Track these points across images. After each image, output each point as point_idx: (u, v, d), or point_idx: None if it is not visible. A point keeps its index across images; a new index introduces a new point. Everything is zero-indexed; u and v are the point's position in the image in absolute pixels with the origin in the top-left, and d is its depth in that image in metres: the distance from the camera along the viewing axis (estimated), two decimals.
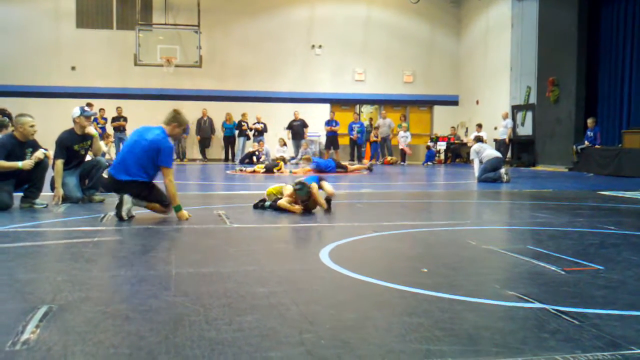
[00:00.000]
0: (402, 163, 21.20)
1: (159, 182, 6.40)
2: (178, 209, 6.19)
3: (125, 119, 20.52)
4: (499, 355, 2.28)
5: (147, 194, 6.28)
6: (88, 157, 8.02)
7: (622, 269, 3.87)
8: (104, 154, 11.50)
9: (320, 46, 23.56)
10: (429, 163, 21.47)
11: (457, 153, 23.11)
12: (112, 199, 7.55)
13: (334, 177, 13.69)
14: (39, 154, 7.04)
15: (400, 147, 21.51)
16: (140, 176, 6.19)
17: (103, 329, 2.60)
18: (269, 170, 15.18)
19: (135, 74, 21.89)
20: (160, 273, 3.70)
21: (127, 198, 6.06)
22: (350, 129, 21.48)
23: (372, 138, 22.03)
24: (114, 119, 20.53)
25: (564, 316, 2.80)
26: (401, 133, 21.61)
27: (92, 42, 22.15)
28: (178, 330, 2.59)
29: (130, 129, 19.85)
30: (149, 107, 21.69)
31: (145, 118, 21.15)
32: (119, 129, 20.36)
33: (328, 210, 6.82)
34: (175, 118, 6.36)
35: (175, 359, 2.25)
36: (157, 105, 21.99)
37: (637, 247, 4.77)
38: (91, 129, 7.81)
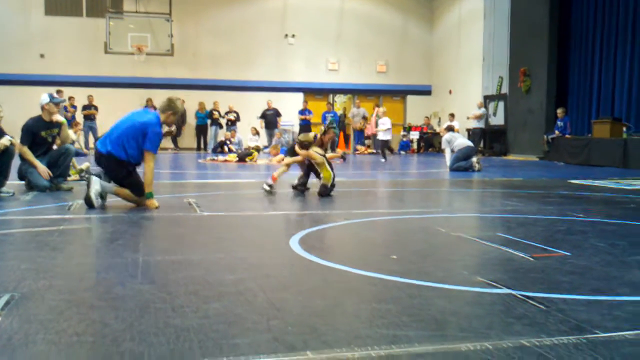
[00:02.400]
0: (383, 160, 16.67)
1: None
2: (149, 195, 6.12)
3: (96, 108, 20.23)
4: (465, 340, 2.28)
5: (123, 176, 6.14)
6: (54, 147, 7.88)
7: (588, 255, 3.91)
8: (73, 143, 11.32)
9: (293, 35, 23.45)
10: (402, 152, 21.54)
11: (430, 143, 23.22)
12: (81, 187, 7.45)
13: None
14: (5, 141, 6.91)
15: (380, 137, 17.38)
16: (118, 153, 6.06)
17: (67, 317, 2.55)
18: (241, 159, 15.10)
19: (105, 62, 21.57)
20: (127, 261, 3.65)
21: (95, 180, 5.96)
22: (324, 119, 21.43)
23: (359, 127, 21.72)
24: (84, 107, 20.22)
25: (530, 301, 2.81)
26: (382, 120, 17.64)
27: (62, 30, 21.77)
28: (143, 317, 2.56)
29: (101, 118, 19.63)
30: (119, 95, 21.42)
31: (116, 107, 20.92)
32: (90, 118, 20.07)
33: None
34: (170, 106, 6.35)
35: (140, 346, 2.22)
36: (128, 94, 21.76)
37: (604, 234, 4.82)
38: (59, 117, 7.68)
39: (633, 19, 15.62)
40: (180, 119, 22.28)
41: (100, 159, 6.21)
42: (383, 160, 16.56)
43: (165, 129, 6.45)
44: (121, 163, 6.11)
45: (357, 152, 21.42)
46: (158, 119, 6.24)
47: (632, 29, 15.63)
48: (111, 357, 2.11)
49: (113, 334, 2.35)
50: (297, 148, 7.62)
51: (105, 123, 18.84)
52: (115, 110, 20.61)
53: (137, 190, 6.17)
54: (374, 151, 21.52)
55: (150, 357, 2.10)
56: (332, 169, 7.38)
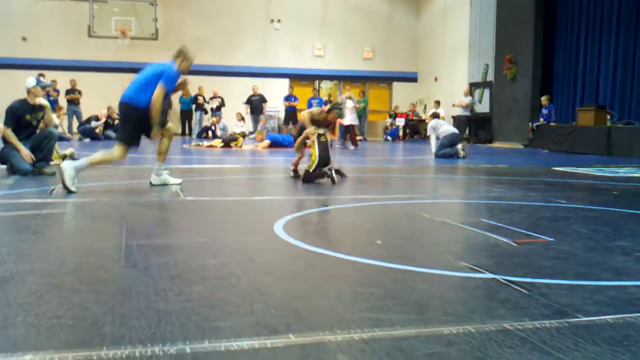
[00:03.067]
0: (353, 147, 15.74)
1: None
2: (155, 124, 6.38)
3: (79, 92, 19.99)
4: (448, 324, 2.28)
5: (138, 118, 6.33)
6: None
7: (571, 241, 3.93)
8: (56, 127, 11.21)
9: (279, 21, 23.31)
10: (389, 138, 21.57)
11: (416, 129, 23.23)
12: None
13: (292, 152, 13.63)
14: None
15: (345, 122, 16.23)
16: (137, 100, 6.30)
17: (47, 300, 2.53)
18: (226, 144, 15.03)
19: (89, 45, 21.34)
20: (110, 245, 3.62)
21: (65, 166, 5.88)
22: (310, 105, 21.34)
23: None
24: (68, 92, 19.98)
25: (513, 286, 2.82)
26: (349, 103, 16.63)
27: (44, 13, 21.47)
28: (125, 301, 2.54)
29: (84, 102, 19.43)
30: (103, 79, 21.22)
31: (100, 91, 20.81)
32: (74, 102, 19.83)
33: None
34: (181, 52, 6.57)
35: (121, 329, 2.20)
36: (112, 78, 21.51)
37: (586, 220, 4.85)
38: (42, 100, 7.60)
39: (618, 7, 15.67)
40: (166, 103, 22.14)
41: (120, 107, 6.58)
42: (353, 147, 15.57)
43: (180, 79, 6.69)
44: (139, 110, 6.32)
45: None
46: (174, 64, 6.50)
47: (617, 18, 15.69)
48: (91, 340, 2.09)
49: (93, 317, 2.33)
50: (304, 118, 7.61)
51: (89, 107, 18.71)
52: (99, 94, 20.50)
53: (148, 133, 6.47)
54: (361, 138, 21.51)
55: (131, 340, 2.08)
56: (324, 151, 7.27)
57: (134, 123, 6.33)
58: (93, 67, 21.49)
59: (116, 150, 6.29)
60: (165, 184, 6.66)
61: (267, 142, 15.22)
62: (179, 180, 6.80)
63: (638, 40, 15.02)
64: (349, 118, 16.05)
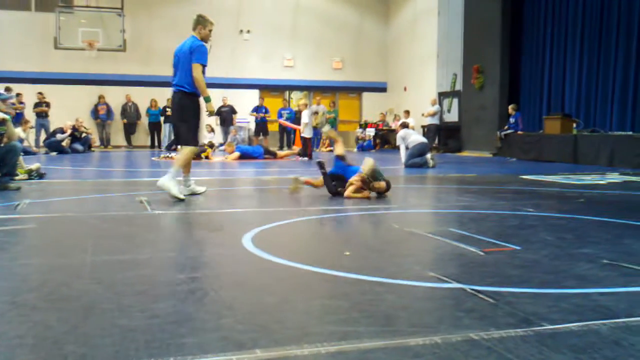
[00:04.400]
0: (302, 157, 15.61)
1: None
2: (207, 99, 6.85)
3: (47, 105, 19.71)
4: (415, 335, 2.28)
5: (190, 114, 6.81)
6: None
7: (537, 249, 3.97)
8: (21, 140, 11.04)
9: (248, 31, 23.29)
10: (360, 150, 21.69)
11: (386, 139, 23.35)
12: (29, 186, 7.27)
13: (262, 164, 13.61)
14: None
15: (304, 135, 16.00)
16: (184, 85, 6.75)
17: (8, 320, 2.48)
18: (196, 156, 14.93)
19: (56, 57, 21.05)
20: (74, 261, 3.56)
21: (164, 181, 6.44)
22: (279, 115, 21.34)
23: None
24: (35, 105, 19.70)
25: (480, 295, 2.84)
26: (303, 114, 16.34)
27: (9, 24, 21.13)
28: (88, 318, 2.50)
29: (53, 115, 19.17)
30: (71, 92, 21.01)
31: (68, 103, 20.59)
32: (41, 115, 19.55)
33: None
34: (198, 20, 6.96)
35: (83, 347, 2.16)
36: (79, 90, 21.34)
37: (553, 228, 4.91)
38: (1, 113, 7.47)
39: (582, 17, 15.96)
40: (135, 115, 21.96)
41: (174, 97, 6.95)
42: (305, 158, 15.36)
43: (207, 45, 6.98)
44: (189, 96, 6.78)
45: (317, 149, 21.40)
46: (195, 37, 6.90)
47: (582, 27, 15.98)
48: None
49: (55, 336, 2.29)
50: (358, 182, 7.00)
51: (57, 120, 18.46)
52: (67, 106, 20.28)
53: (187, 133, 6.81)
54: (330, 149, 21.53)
55: (94, 359, 2.05)
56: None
57: (194, 111, 6.81)
58: (60, 79, 21.22)
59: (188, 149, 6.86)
60: (193, 194, 6.96)
61: (236, 154, 15.16)
62: (204, 188, 7.17)
63: (602, 49, 15.32)
64: (306, 129, 15.79)
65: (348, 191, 6.89)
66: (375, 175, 6.89)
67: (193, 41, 6.86)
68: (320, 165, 7.19)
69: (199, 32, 6.94)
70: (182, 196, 6.47)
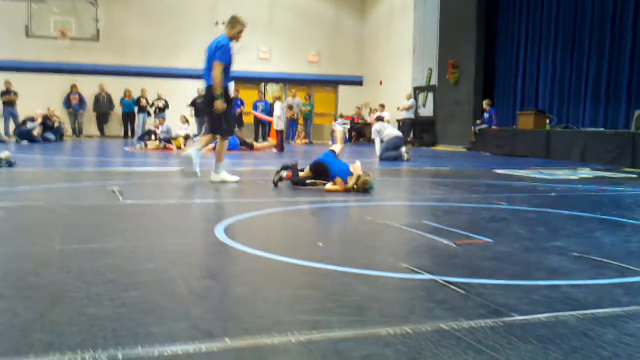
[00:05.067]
0: (276, 151, 15.70)
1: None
2: (217, 97, 7.16)
3: (15, 94, 19.33)
4: (385, 325, 2.28)
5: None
6: None
7: (509, 242, 4.00)
8: None
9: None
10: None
11: (361, 133, 23.39)
12: None
13: (238, 155, 13.55)
14: None
15: (277, 128, 16.12)
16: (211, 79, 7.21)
17: None
18: (166, 142, 14.84)
19: (27, 46, 20.72)
20: (43, 250, 3.51)
21: (190, 153, 7.03)
22: (255, 107, 21.24)
23: (291, 116, 21.43)
24: (3, 93, 19.34)
25: (451, 286, 2.85)
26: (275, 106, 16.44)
27: None
28: (56, 307, 2.46)
29: (24, 104, 18.83)
30: (42, 81, 20.71)
31: (40, 92, 20.28)
32: (10, 104, 19.19)
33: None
34: (231, 19, 7.38)
35: (50, 335, 2.12)
36: (51, 80, 21.03)
37: (525, 221, 4.95)
38: None
39: (557, 14, 16.12)
40: (108, 105, 21.72)
41: (206, 92, 7.47)
42: (276, 150, 15.52)
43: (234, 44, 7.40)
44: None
45: (293, 142, 21.36)
46: (224, 36, 7.31)
47: (556, 24, 16.14)
48: (19, 348, 2.01)
49: (23, 324, 2.24)
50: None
51: (28, 110, 18.15)
52: (39, 96, 19.97)
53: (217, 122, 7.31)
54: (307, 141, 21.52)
55: (61, 347, 2.02)
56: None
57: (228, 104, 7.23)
58: (32, 68, 20.90)
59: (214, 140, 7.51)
60: (224, 182, 7.23)
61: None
62: (237, 178, 7.41)
63: (575, 47, 15.48)
64: (278, 122, 15.71)
65: (328, 186, 6.79)
66: (366, 188, 6.60)
67: (220, 40, 7.24)
68: (285, 167, 7.15)
69: (229, 31, 7.31)
70: (198, 171, 7.06)
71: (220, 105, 7.18)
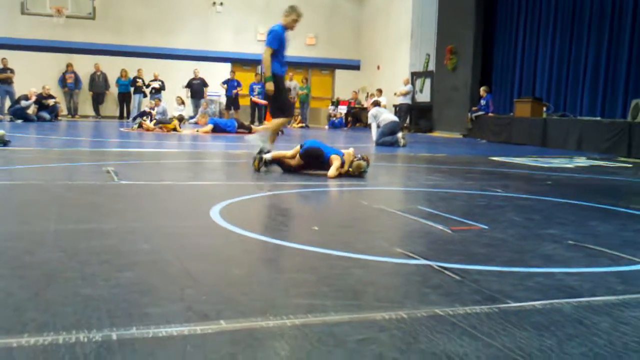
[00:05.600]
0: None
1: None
2: (267, 79, 7.56)
3: (12, 71, 19.18)
4: (380, 310, 2.28)
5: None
6: None
7: (504, 228, 4.00)
8: None
9: (221, 3, 22.95)
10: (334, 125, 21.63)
11: (358, 117, 23.32)
12: None
13: (234, 137, 13.51)
14: None
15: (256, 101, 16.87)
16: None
17: None
18: (161, 123, 14.78)
19: (22, 23, 20.52)
20: (38, 229, 3.49)
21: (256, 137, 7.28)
22: (251, 90, 21.15)
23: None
24: None
25: (446, 272, 2.85)
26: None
27: None
28: (50, 286, 2.45)
29: (19, 82, 18.68)
30: (37, 58, 20.53)
31: (35, 70, 20.12)
32: (6, 82, 19.03)
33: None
34: (287, 9, 7.71)
35: (44, 315, 2.11)
36: (46, 58, 20.86)
37: (520, 208, 4.95)
38: None
39: (555, 2, 16.05)
40: (104, 85, 21.60)
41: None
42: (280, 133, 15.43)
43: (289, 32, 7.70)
44: (274, 75, 7.53)
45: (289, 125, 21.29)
46: (278, 24, 7.64)
47: (555, 12, 16.07)
48: (12, 327, 2.00)
49: (16, 303, 2.23)
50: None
51: (23, 88, 18.01)
52: (34, 74, 19.80)
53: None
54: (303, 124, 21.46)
55: (55, 327, 2.01)
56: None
57: (276, 88, 7.50)
58: (27, 45, 20.70)
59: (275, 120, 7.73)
60: (257, 146, 7.23)
61: (210, 126, 15.01)
62: (269, 155, 7.28)
63: (574, 34, 15.43)
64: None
65: (332, 172, 6.53)
66: (361, 171, 6.62)
67: (273, 26, 7.61)
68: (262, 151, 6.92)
69: (284, 19, 7.62)
70: (268, 148, 7.10)
71: (269, 86, 7.52)
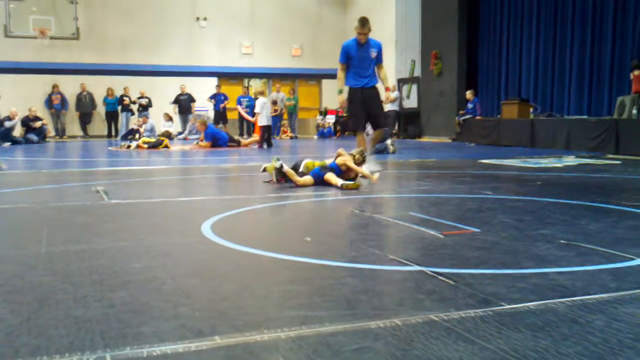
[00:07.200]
0: (261, 145, 15.28)
1: None
2: (338, 92, 8.20)
3: None
4: (376, 318, 2.27)
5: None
6: None
7: (496, 231, 4.01)
8: None
9: (205, 18, 23.01)
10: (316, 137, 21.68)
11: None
12: None
13: (225, 151, 13.50)
14: None
15: (261, 123, 15.47)
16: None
17: None
18: (154, 146, 14.73)
19: (6, 46, 20.48)
20: (28, 252, 3.47)
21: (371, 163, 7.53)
22: (239, 102, 21.15)
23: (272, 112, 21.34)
24: None
25: (440, 277, 2.84)
26: (259, 101, 15.65)
27: None
28: (42, 310, 2.42)
29: (4, 105, 18.59)
30: (23, 81, 20.51)
31: (20, 93, 20.07)
32: None
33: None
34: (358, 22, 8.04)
35: (37, 339, 2.09)
36: (32, 80, 20.83)
37: (511, 210, 4.96)
38: None
39: (538, 2, 16.17)
40: (91, 105, 21.55)
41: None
42: (266, 146, 15.04)
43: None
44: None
45: (278, 137, 21.30)
46: (352, 38, 8.10)
47: (538, 13, 16.20)
48: (5, 352, 1.98)
49: (7, 328, 2.21)
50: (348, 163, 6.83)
51: (7, 111, 17.94)
52: (19, 96, 19.75)
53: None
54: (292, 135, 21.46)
55: (48, 351, 1.99)
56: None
57: (348, 101, 8.06)
58: (12, 68, 20.65)
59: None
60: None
61: (208, 143, 14.93)
62: (379, 168, 7.84)
63: (557, 34, 15.55)
64: (262, 118, 15.29)
65: (338, 181, 6.48)
66: (364, 156, 7.08)
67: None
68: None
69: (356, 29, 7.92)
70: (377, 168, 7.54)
71: (340, 98, 8.09)
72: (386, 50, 21.54)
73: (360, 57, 7.89)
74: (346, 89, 8.18)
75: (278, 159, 6.67)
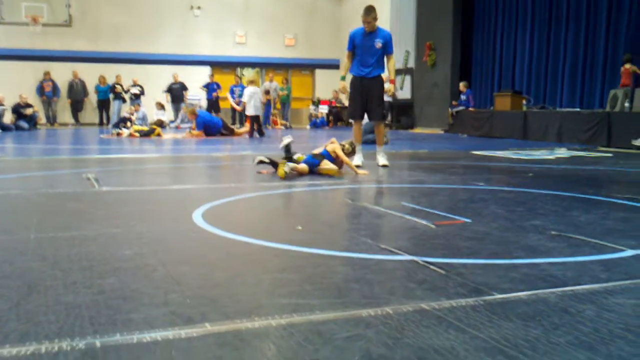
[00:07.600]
0: (251, 135, 15.22)
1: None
2: (340, 78, 8.21)
3: None
4: (367, 306, 2.27)
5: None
6: None
7: (488, 222, 4.01)
8: None
9: (199, 7, 22.88)
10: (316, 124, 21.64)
11: (339, 116, 23.32)
12: None
13: (217, 140, 13.46)
14: None
15: (249, 113, 15.30)
16: None
17: None
18: (146, 135, 14.66)
19: None
20: (17, 238, 3.45)
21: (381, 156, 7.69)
22: (232, 92, 21.07)
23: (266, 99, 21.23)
24: None
25: (431, 267, 2.85)
26: (248, 90, 15.43)
27: None
28: (31, 296, 2.41)
29: None
30: (15, 68, 20.38)
31: (12, 80, 19.94)
32: None
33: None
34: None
35: (26, 325, 2.08)
36: (23, 67, 20.69)
37: (502, 201, 4.97)
38: None
39: None
40: (82, 92, 21.43)
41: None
42: (257, 135, 15.19)
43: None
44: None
45: (269, 126, 21.24)
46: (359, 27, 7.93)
47: (532, 5, 16.18)
48: None
49: None
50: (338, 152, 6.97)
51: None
52: (11, 83, 19.63)
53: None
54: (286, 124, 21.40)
55: (37, 336, 1.98)
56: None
57: (350, 89, 7.97)
58: (3, 55, 20.52)
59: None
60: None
61: (200, 132, 14.85)
62: (387, 162, 7.87)
63: (552, 27, 15.55)
64: (250, 107, 15.15)
65: (330, 166, 6.73)
66: (354, 146, 7.30)
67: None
68: (287, 149, 6.86)
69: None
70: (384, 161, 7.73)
71: (341, 84, 8.12)
72: None
73: (364, 46, 7.78)
74: (349, 76, 8.08)
75: (286, 163, 6.58)
